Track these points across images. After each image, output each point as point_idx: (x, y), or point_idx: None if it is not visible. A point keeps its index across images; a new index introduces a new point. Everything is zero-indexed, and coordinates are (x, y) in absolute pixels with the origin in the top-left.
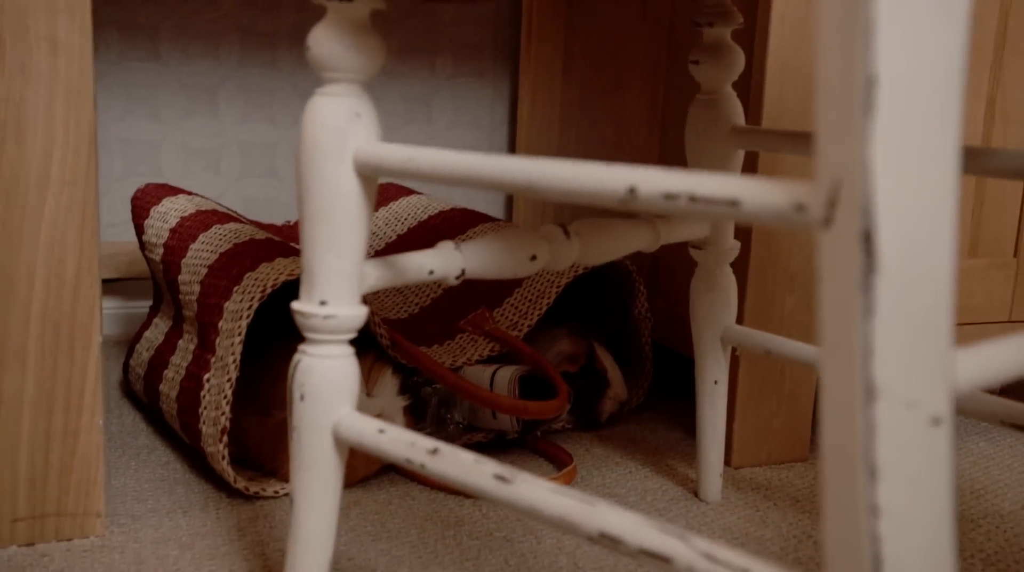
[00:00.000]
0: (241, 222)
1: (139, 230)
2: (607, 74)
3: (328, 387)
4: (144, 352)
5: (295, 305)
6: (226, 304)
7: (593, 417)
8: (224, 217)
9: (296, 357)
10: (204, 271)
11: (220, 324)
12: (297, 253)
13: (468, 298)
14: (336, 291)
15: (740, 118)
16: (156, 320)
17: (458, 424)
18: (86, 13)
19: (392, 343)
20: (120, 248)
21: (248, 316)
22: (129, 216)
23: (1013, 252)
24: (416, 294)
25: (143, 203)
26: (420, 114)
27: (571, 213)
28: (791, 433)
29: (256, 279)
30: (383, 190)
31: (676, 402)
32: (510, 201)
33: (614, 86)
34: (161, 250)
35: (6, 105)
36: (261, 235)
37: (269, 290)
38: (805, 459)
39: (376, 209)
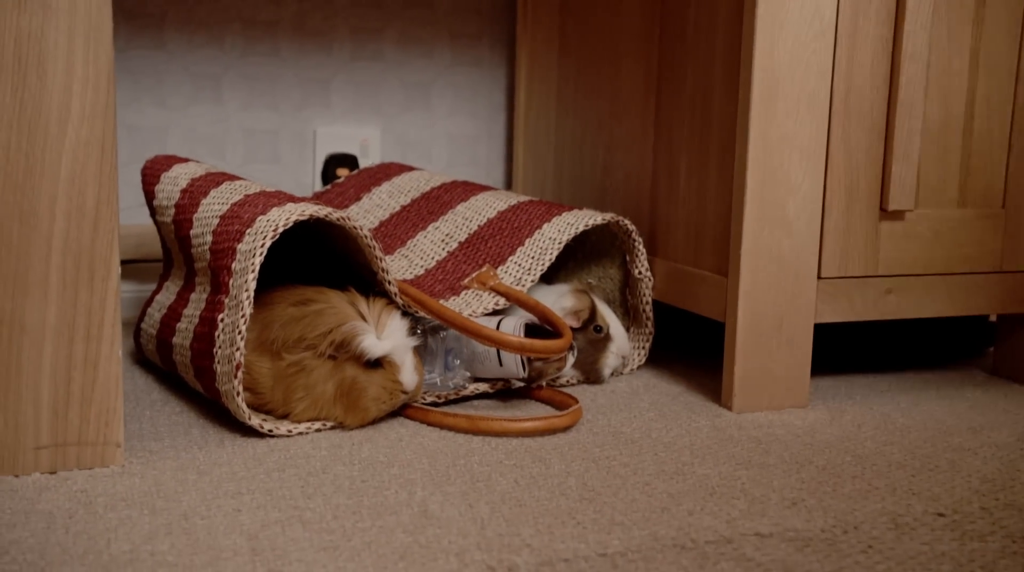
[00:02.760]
0: (251, 181)
1: (150, 196)
2: (602, 48)
3: None
4: (156, 313)
5: None
6: (239, 246)
7: (596, 372)
8: (235, 177)
9: None
10: (216, 221)
11: (233, 265)
12: (307, 200)
13: (473, 259)
14: None
15: None
16: (167, 284)
17: (465, 373)
18: None
19: (397, 289)
20: (128, 230)
21: (261, 253)
22: (136, 200)
23: (1001, 203)
24: (421, 258)
25: (154, 171)
26: (419, 102)
27: (570, 187)
28: (791, 380)
29: (269, 220)
30: (386, 168)
31: (678, 359)
32: (510, 176)
33: (609, 60)
34: (173, 210)
35: (28, 39)
36: (271, 189)
37: (281, 228)
38: (805, 405)
39: (379, 183)
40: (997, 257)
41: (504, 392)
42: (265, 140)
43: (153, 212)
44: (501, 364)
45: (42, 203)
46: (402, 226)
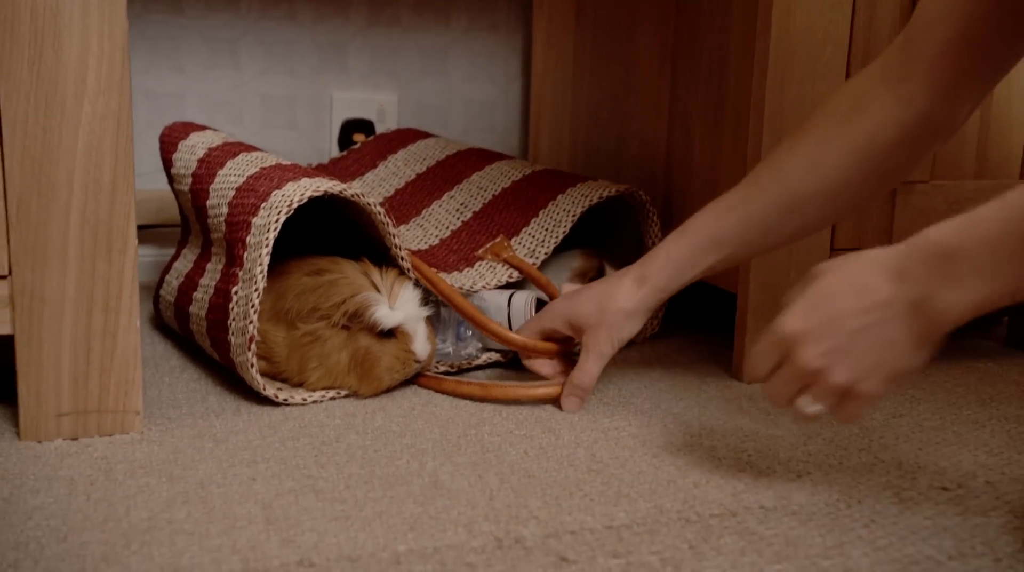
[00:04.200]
0: (267, 152)
1: (168, 164)
2: (618, 19)
3: None
4: (174, 281)
5: None
6: (253, 220)
7: None
8: (251, 148)
9: None
10: (232, 193)
11: (248, 239)
12: (322, 174)
13: (487, 229)
14: None
15: None
16: (184, 251)
17: (477, 343)
18: None
19: (411, 266)
20: (148, 195)
21: (275, 228)
22: (155, 166)
23: (1020, 173)
24: (436, 227)
25: (171, 138)
26: (436, 67)
27: (585, 156)
28: None
29: (283, 195)
30: (402, 134)
31: (692, 330)
32: (525, 144)
33: (625, 31)
34: (190, 179)
35: (44, 14)
36: (287, 162)
37: (296, 204)
38: None
39: (395, 151)
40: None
41: (516, 361)
42: (282, 106)
43: (171, 179)
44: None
45: (60, 176)
46: (417, 195)
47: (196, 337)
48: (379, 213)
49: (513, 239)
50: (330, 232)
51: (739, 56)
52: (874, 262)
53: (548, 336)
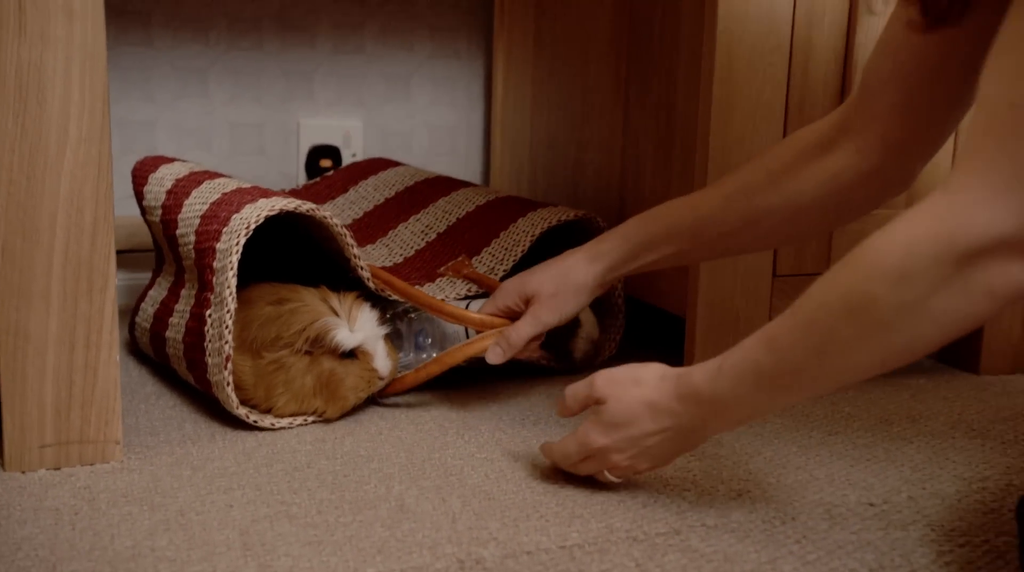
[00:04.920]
0: (230, 178)
1: (139, 197)
2: (574, 50)
3: None
4: (149, 308)
5: None
6: (217, 245)
7: (566, 354)
8: (215, 175)
9: None
10: (198, 222)
11: (214, 264)
12: (281, 194)
13: (449, 249)
14: None
15: None
16: (159, 279)
17: (434, 347)
18: None
19: (369, 272)
20: (119, 221)
21: (237, 251)
22: (126, 191)
23: None
24: (401, 247)
25: (142, 172)
26: (400, 93)
27: (544, 180)
28: None
29: (242, 218)
30: (374, 163)
31: (644, 352)
32: (487, 166)
33: (581, 61)
34: (160, 211)
35: (28, 69)
36: (247, 185)
37: (253, 225)
38: None
39: (366, 177)
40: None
41: (481, 370)
42: (250, 132)
43: (143, 211)
44: (469, 337)
45: (43, 220)
46: (385, 217)
47: (172, 361)
48: (335, 225)
49: (474, 258)
50: (296, 250)
51: (686, 94)
52: (657, 393)
53: (506, 314)
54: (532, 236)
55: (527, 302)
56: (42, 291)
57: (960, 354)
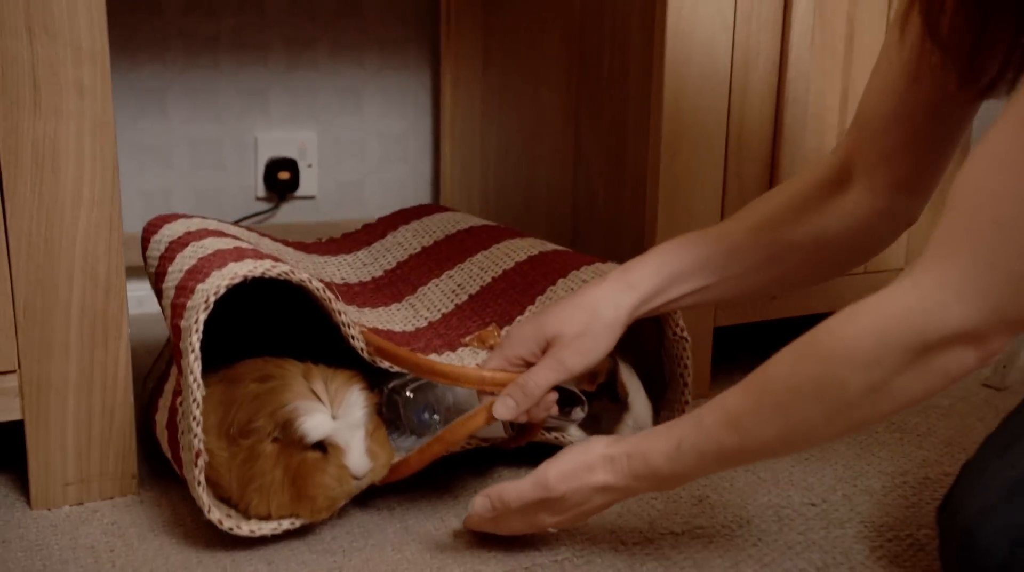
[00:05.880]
0: (224, 235)
1: (145, 262)
2: (525, 70)
3: None
4: (164, 403)
5: None
6: (181, 322)
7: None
8: (208, 233)
9: None
10: (173, 293)
11: (180, 344)
12: (256, 255)
13: (479, 315)
14: None
15: None
16: (164, 350)
17: (444, 424)
18: (106, 62)
19: (363, 341)
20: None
21: (197, 330)
22: None
23: None
24: (427, 309)
25: (147, 235)
26: (352, 105)
27: (496, 193)
28: (697, 376)
29: (203, 290)
30: (424, 208)
31: None
32: (437, 172)
33: (532, 82)
34: (155, 278)
35: (43, 141)
36: (230, 245)
37: (212, 299)
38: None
39: (408, 221)
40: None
41: (494, 452)
42: (209, 148)
43: (149, 277)
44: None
45: (61, 278)
46: (417, 271)
47: (161, 447)
48: (318, 289)
49: (504, 328)
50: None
51: (635, 126)
52: (612, 477)
53: (520, 367)
54: None
55: (545, 349)
56: (61, 343)
57: None
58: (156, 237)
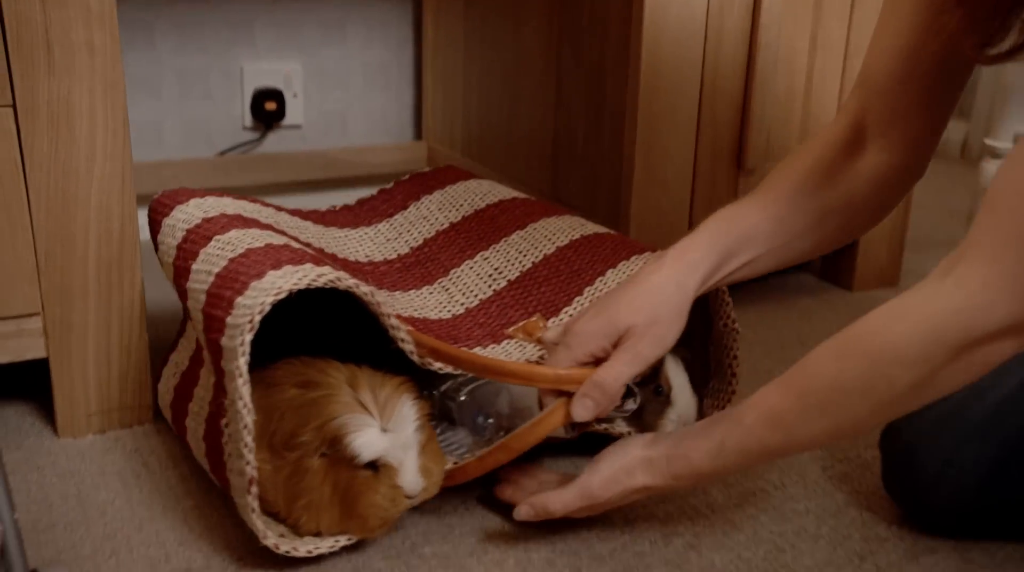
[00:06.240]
0: (246, 223)
1: (155, 246)
2: (507, 10)
3: None
4: (171, 377)
5: None
6: (223, 341)
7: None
8: (223, 222)
9: None
10: (203, 298)
11: (222, 363)
12: (292, 256)
13: (522, 304)
14: None
15: None
16: (182, 341)
17: (498, 430)
18: (114, 23)
19: (413, 346)
20: None
21: (244, 353)
22: None
23: None
24: (463, 294)
25: (157, 216)
26: (336, 36)
27: (477, 127)
28: None
29: (246, 308)
30: (442, 173)
31: None
32: (419, 101)
33: (513, 19)
34: (172, 270)
35: (58, 100)
36: (260, 240)
37: (258, 318)
38: None
39: (431, 191)
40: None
41: (554, 445)
42: (197, 79)
43: (162, 265)
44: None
45: (78, 228)
46: (447, 250)
47: (194, 453)
48: (364, 294)
49: (551, 320)
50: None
51: (615, 71)
52: (652, 479)
53: (591, 364)
54: None
55: (616, 343)
56: (80, 288)
57: (839, 273)
58: (168, 221)
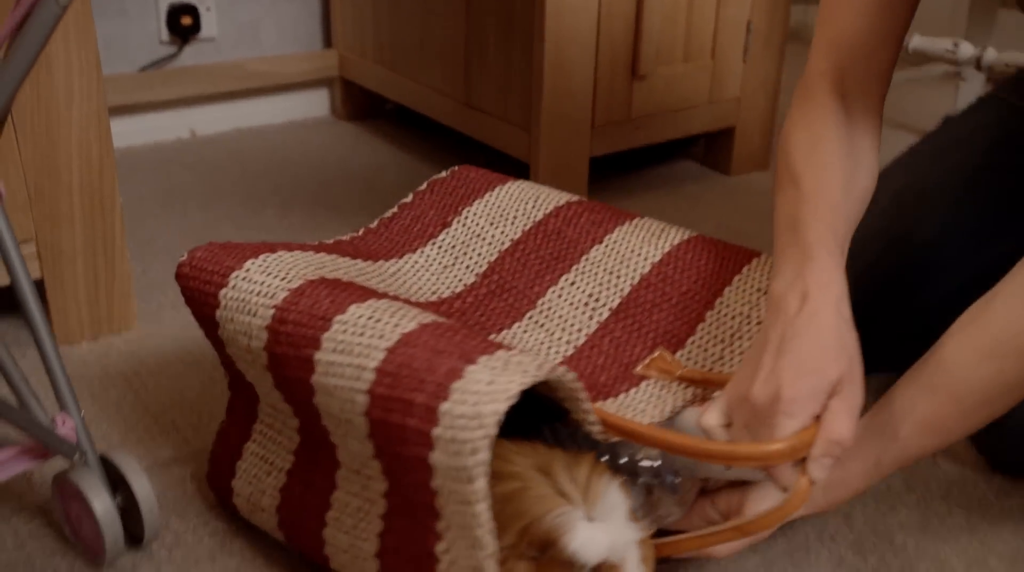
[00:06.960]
0: (347, 289)
1: (208, 308)
2: None
3: None
4: (266, 476)
5: None
6: (432, 457)
7: None
8: (327, 297)
9: None
10: (366, 401)
11: (432, 483)
12: (500, 347)
13: (637, 337)
14: None
15: None
16: (259, 427)
17: (692, 486)
18: None
19: (602, 425)
20: None
21: (484, 473)
22: None
23: (711, 55)
24: (563, 329)
25: (205, 288)
26: None
27: (390, 48)
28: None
29: (468, 421)
30: (464, 176)
31: None
32: (327, 12)
33: None
34: (265, 355)
35: None
36: (398, 317)
37: (495, 432)
38: None
39: (469, 203)
40: (707, 93)
41: None
42: None
43: (212, 325)
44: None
45: (61, 162)
46: (522, 274)
47: (335, 565)
48: (577, 388)
49: (677, 353)
50: None
51: None
52: (803, 508)
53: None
54: (751, 320)
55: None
56: (67, 216)
57: (717, 159)
58: (231, 293)
